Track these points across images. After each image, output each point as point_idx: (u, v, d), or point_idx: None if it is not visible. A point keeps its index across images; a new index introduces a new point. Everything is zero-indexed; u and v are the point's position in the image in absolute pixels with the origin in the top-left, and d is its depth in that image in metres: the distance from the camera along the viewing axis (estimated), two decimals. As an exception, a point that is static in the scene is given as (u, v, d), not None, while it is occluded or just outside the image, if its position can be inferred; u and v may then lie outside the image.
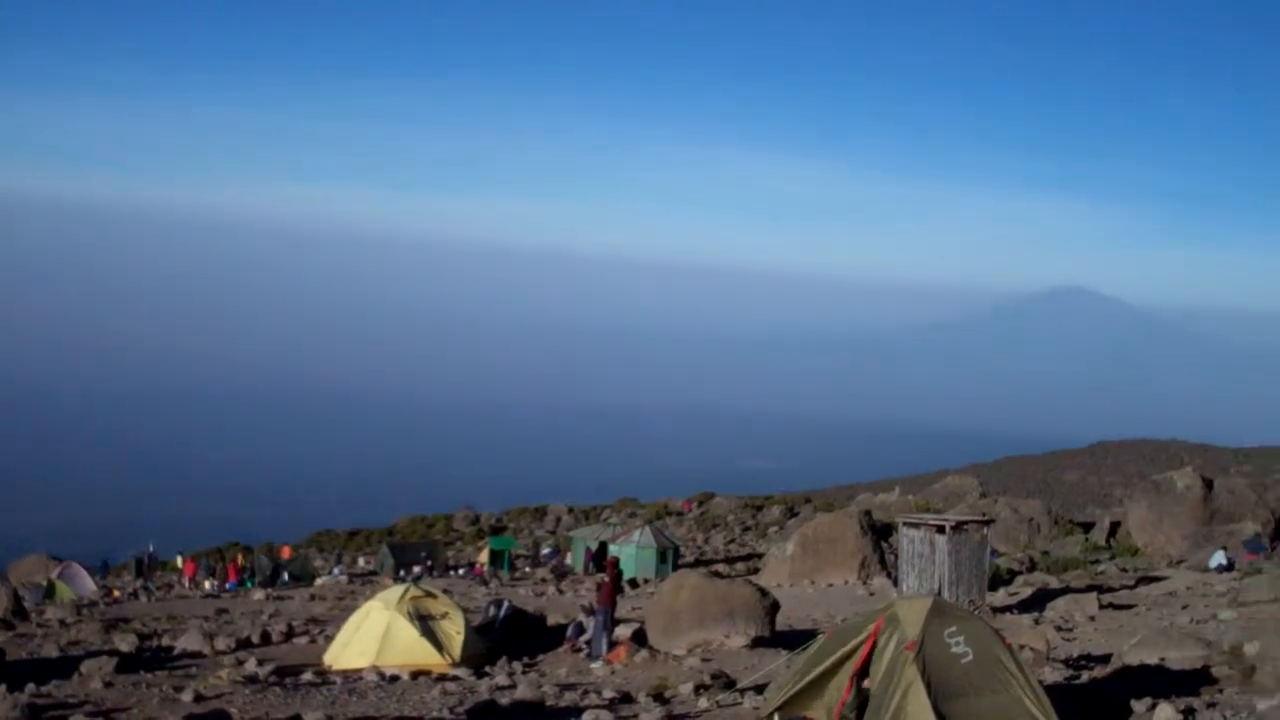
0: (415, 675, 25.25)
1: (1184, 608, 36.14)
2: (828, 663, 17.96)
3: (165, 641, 30.72)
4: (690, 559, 65.09)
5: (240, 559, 65.66)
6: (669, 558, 60.39)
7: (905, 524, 39.83)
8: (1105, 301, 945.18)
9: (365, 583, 57.04)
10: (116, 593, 51.62)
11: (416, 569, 61.94)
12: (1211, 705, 19.09)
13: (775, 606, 30.03)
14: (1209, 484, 60.06)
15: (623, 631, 29.32)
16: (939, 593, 35.42)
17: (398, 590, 29.42)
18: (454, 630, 27.80)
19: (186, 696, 20.57)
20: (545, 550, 72.24)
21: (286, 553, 71.83)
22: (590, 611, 29.81)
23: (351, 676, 24.89)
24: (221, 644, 29.75)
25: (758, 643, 28.41)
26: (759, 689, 21.08)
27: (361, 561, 72.12)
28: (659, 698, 21.76)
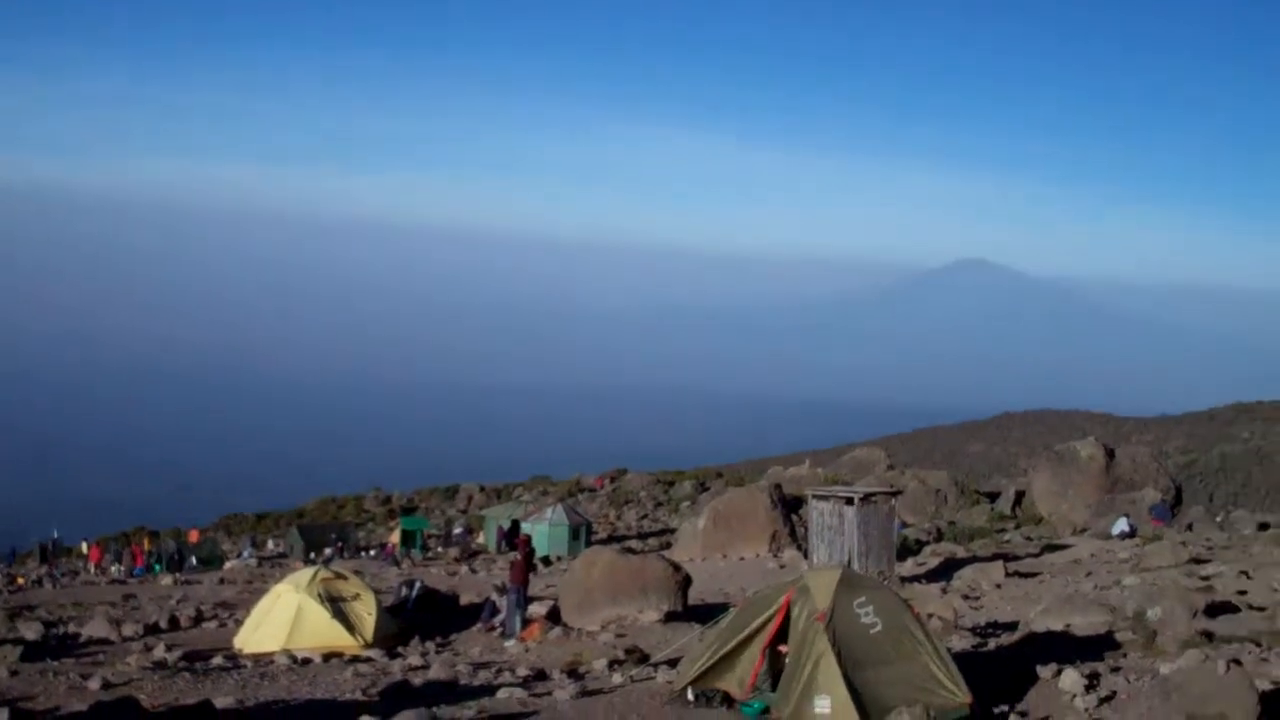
0: (327, 658, 25.08)
1: (1088, 575, 36.77)
2: (740, 636, 18.07)
3: (71, 629, 30.25)
4: (603, 535, 65.19)
5: (147, 544, 64.78)
6: (582, 535, 60.44)
7: (814, 496, 40.12)
8: (1007, 274, 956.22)
9: (275, 566, 56.52)
10: (21, 579, 50.74)
11: (327, 551, 61.52)
12: (1115, 669, 19.45)
13: (688, 581, 30.16)
14: (1111, 453, 61.14)
15: (536, 609, 29.32)
16: (848, 564, 35.76)
17: (308, 573, 29.20)
18: (366, 612, 27.65)
19: (94, 684, 20.29)
20: (457, 530, 71.98)
21: (194, 537, 70.99)
22: (503, 590, 29.77)
23: (262, 660, 24.68)
24: (129, 630, 29.37)
25: (671, 617, 28.54)
26: (672, 663, 21.17)
27: (271, 544, 71.42)
28: (573, 674, 21.84)
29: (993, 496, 67.51)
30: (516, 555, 29.71)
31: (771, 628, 17.84)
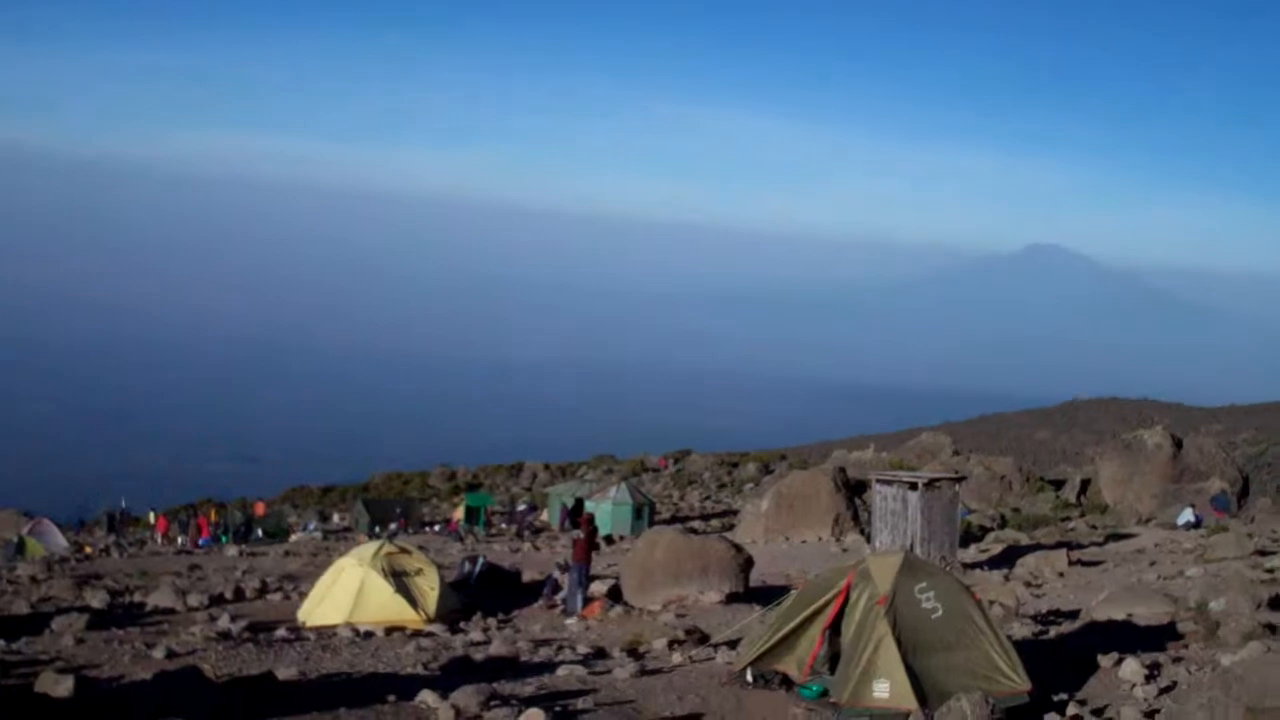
0: (389, 632, 25.32)
1: (1152, 564, 36.48)
2: (800, 618, 18.13)
3: (137, 598, 30.64)
4: (666, 516, 65.37)
5: (214, 515, 65.59)
6: (645, 514, 60.62)
7: (878, 481, 40.01)
8: (1078, 260, 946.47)
9: (340, 539, 57.07)
10: (88, 549, 51.60)
11: (392, 525, 62.08)
12: (1177, 660, 19.35)
13: (749, 563, 30.23)
14: (1178, 443, 60.52)
15: (598, 588, 29.51)
16: (911, 549, 35.66)
17: (372, 546, 29.41)
18: (428, 587, 27.84)
19: (159, 653, 20.62)
20: (521, 507, 72.44)
21: (260, 509, 71.83)
22: (565, 568, 29.95)
23: (325, 633, 24.96)
24: (194, 600, 29.73)
25: (732, 598, 28.63)
26: (732, 644, 21.27)
27: (336, 518, 72.16)
28: (633, 653, 21.95)
29: (1058, 484, 67.01)
30: (579, 533, 29.87)
31: (831, 611, 17.89)
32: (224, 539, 57.92)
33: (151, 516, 67.49)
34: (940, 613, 17.03)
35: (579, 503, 60.56)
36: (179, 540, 58.21)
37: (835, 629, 17.91)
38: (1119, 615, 24.08)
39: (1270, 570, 32.69)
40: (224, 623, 25.66)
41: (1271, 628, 22.56)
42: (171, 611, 28.69)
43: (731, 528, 52.99)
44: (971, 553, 41.39)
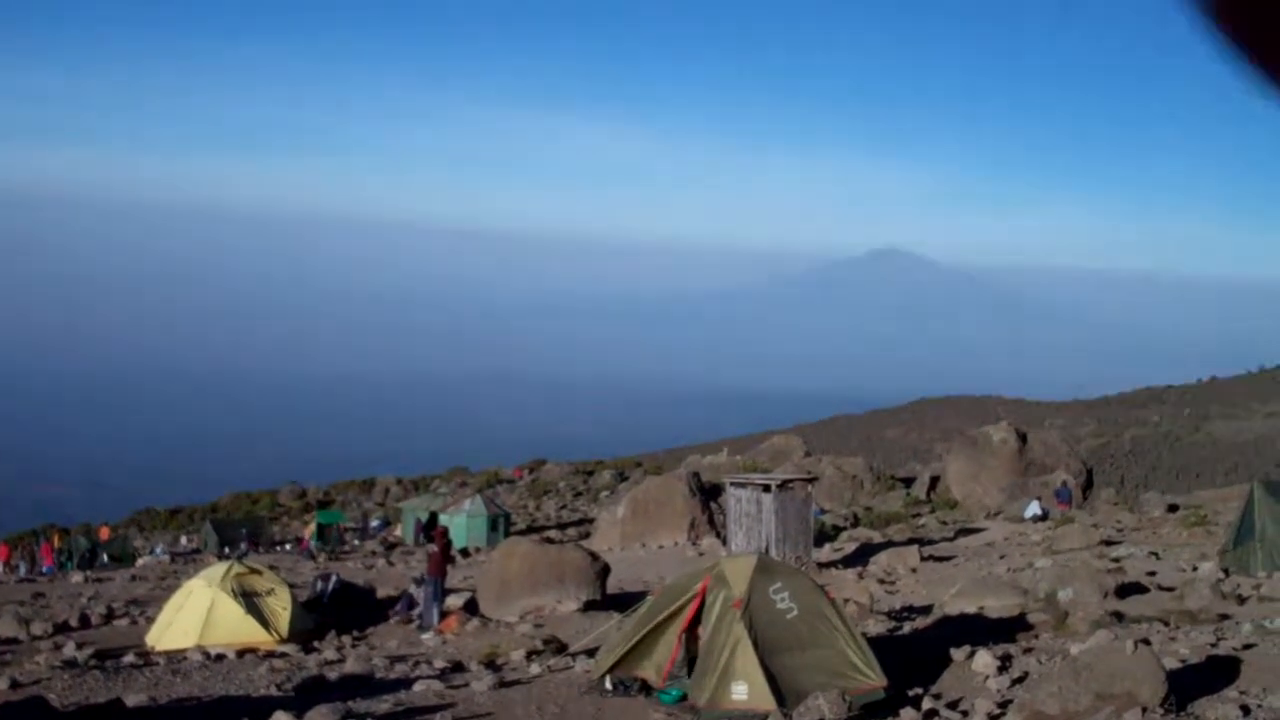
0: (241, 654, 24.75)
1: (1001, 557, 37.28)
2: (656, 622, 18.12)
3: (-23, 629, 29.60)
4: (522, 526, 65.06)
5: (57, 541, 63.71)
6: (500, 526, 60.30)
7: (732, 484, 40.27)
8: (920, 262, 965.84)
9: (188, 562, 55.77)
10: (-76, 580, 49.69)
11: (241, 546, 60.89)
12: (1028, 650, 19.74)
13: (606, 570, 30.17)
14: (1023, 437, 61.97)
15: (454, 601, 29.19)
16: (766, 550, 35.93)
17: (221, 568, 28.78)
18: (280, 606, 27.32)
19: (2, 684, 19.84)
20: (374, 523, 71.55)
21: (105, 534, 69.97)
22: (420, 582, 29.59)
23: (175, 657, 24.30)
24: (38, 629, 28.75)
25: (590, 606, 28.52)
26: (590, 653, 21.19)
27: (184, 540, 70.55)
28: (491, 665, 21.75)
29: (908, 482, 68.17)
30: (434, 547, 29.54)
31: (688, 614, 17.90)
32: (68, 565, 56.25)
33: (-10, 544, 65.25)
34: (795, 612, 17.13)
35: (433, 516, 59.94)
36: (20, 568, 56.39)
37: (692, 633, 17.92)
38: (971, 608, 24.52)
39: (1116, 560, 33.62)
40: (69, 651, 24.81)
41: (1118, 615, 23.15)
42: (14, 641, 27.68)
43: (588, 536, 52.93)
44: (826, 552, 41.84)
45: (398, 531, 66.14)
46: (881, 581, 32.66)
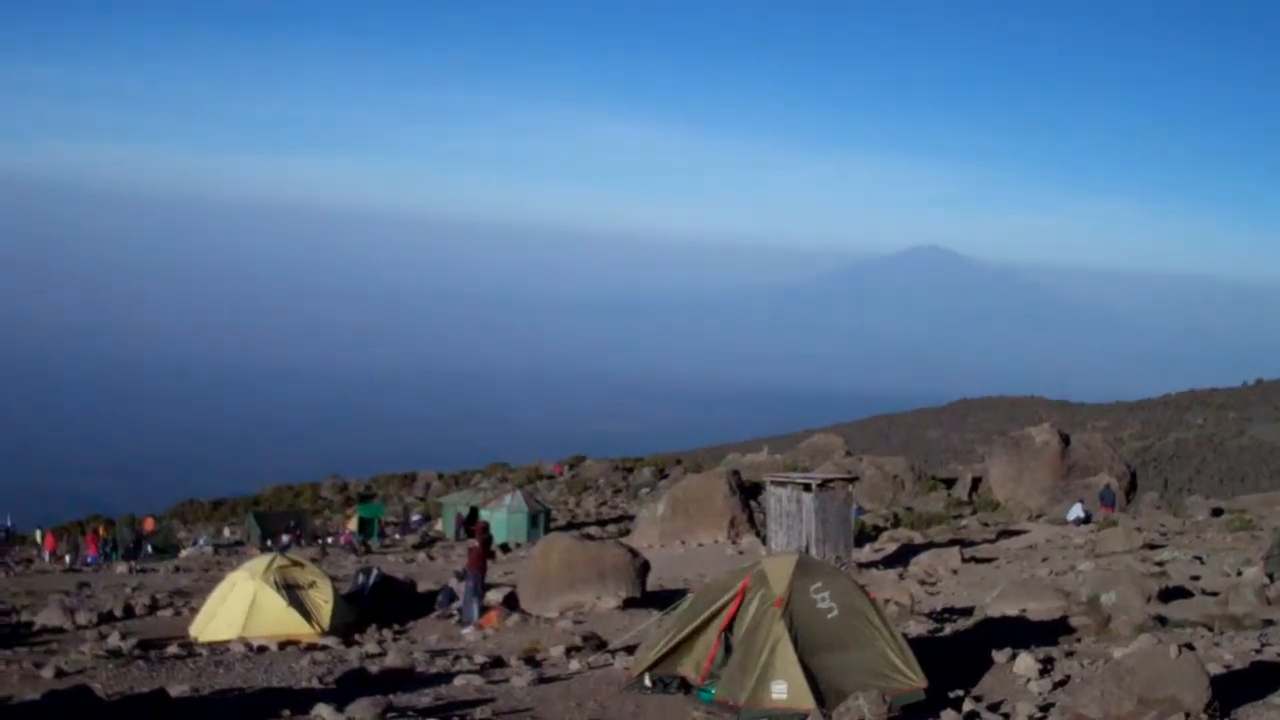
0: (283, 646, 24.95)
1: (1043, 560, 37.07)
2: (696, 621, 18.09)
3: (25, 617, 29.83)
4: (562, 522, 65.14)
5: (102, 532, 64.12)
6: (540, 521, 60.35)
7: (772, 482, 40.29)
8: (962, 261, 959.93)
9: (231, 553, 56.12)
10: (-27, 569, 50.17)
11: (284, 538, 61.17)
12: (1070, 654, 19.60)
13: (646, 567, 30.19)
14: (1066, 439, 61.64)
15: (494, 596, 29.28)
16: (806, 550, 35.95)
17: (264, 560, 29.02)
18: (322, 599, 27.51)
19: (48, 672, 20.07)
20: (415, 517, 71.79)
21: (150, 525, 70.31)
22: (461, 577, 29.69)
23: (218, 648, 24.49)
24: (83, 619, 29.00)
25: (629, 604, 28.56)
26: (630, 650, 21.21)
27: (227, 532, 70.96)
28: (530, 661, 21.79)
29: (949, 482, 67.91)
30: (474, 542, 29.63)
31: (728, 613, 17.86)
32: (113, 556, 56.63)
33: (39, 534, 65.77)
34: (836, 612, 17.08)
35: (474, 511, 60.32)
36: (67, 558, 56.87)
37: (732, 632, 17.90)
38: (1012, 611, 24.39)
39: (1159, 564, 33.37)
40: (114, 640, 24.99)
41: (1162, 620, 22.99)
42: (60, 630, 27.95)
43: (628, 533, 52.94)
44: (866, 552, 41.77)
45: (438, 526, 66.34)
46: (922, 583, 32.56)
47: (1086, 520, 49.04)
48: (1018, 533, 47.36)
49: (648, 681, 18.24)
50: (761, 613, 17.02)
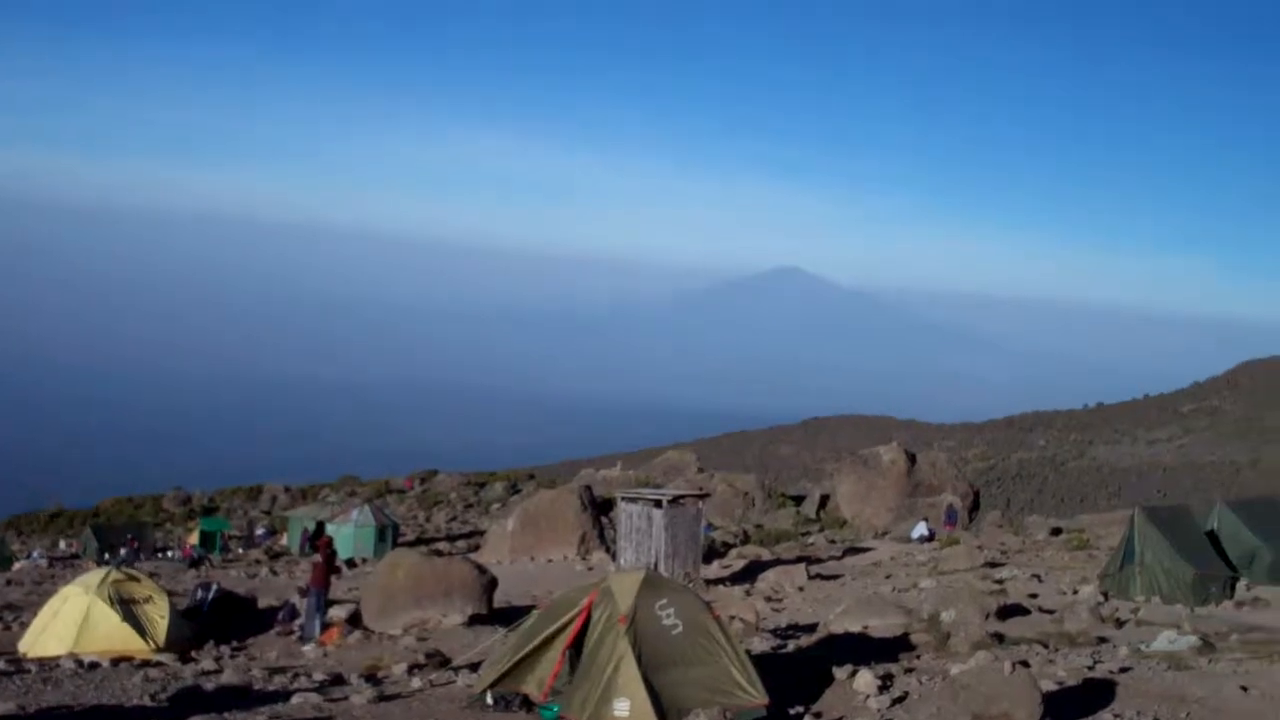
0: (116, 662, 24.17)
1: (887, 577, 37.60)
2: (540, 638, 17.94)
3: None
4: (411, 537, 64.47)
5: (-70, 544, 61.97)
6: (388, 536, 59.68)
7: (624, 499, 40.29)
8: (820, 282, 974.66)
9: (67, 567, 54.56)
10: None
11: (122, 551, 59.65)
12: (909, 670, 19.84)
13: (493, 584, 29.94)
14: (912, 458, 62.70)
15: (337, 613, 28.77)
16: (655, 566, 36.01)
17: (99, 574, 28.16)
18: (158, 615, 26.77)
19: None
20: (260, 531, 70.54)
21: (-19, 537, 68.16)
22: (304, 593, 29.16)
23: (47, 664, 23.64)
24: (-94, 634, 27.95)
25: (475, 620, 28.27)
26: (474, 667, 20.97)
27: (63, 545, 68.99)
28: (371, 678, 21.42)
29: (799, 500, 68.66)
30: (318, 557, 29.13)
31: (573, 630, 17.74)
32: (-59, 570, 54.69)
33: None
34: (680, 629, 17.07)
35: (320, 526, 59.18)
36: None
37: (577, 649, 17.78)
38: (855, 628, 24.66)
39: (999, 581, 34.06)
40: (-63, 657, 24.09)
41: (999, 637, 23.43)
42: (-122, 646, 26.85)
43: (477, 548, 52.58)
44: (715, 568, 41.94)
45: (284, 540, 65.25)
46: (768, 599, 32.76)
47: (930, 538, 49.92)
48: (864, 550, 48.03)
49: (490, 699, 18.04)
50: (606, 629, 16.93)
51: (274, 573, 48.66)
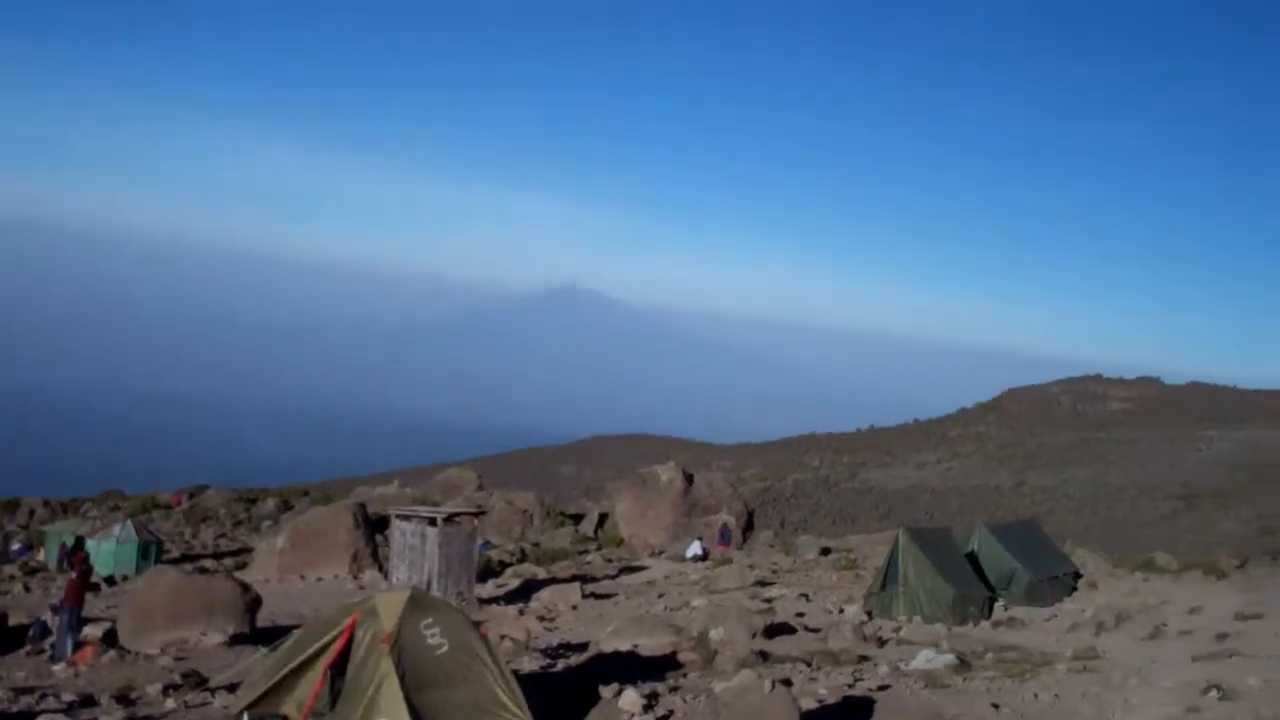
0: None
1: (661, 596, 37.83)
2: (301, 657, 17.51)
3: None
4: (176, 554, 62.41)
5: None
6: (152, 553, 57.60)
7: (398, 516, 39.76)
8: (605, 301, 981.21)
9: None
10: None
11: None
12: (674, 689, 19.95)
13: (257, 602, 29.17)
14: (689, 478, 63.33)
15: (92, 631, 27.63)
16: (429, 585, 35.58)
17: None
18: (-106, 635, 25.36)
19: None
20: (15, 546, 67.44)
21: None
22: (56, 610, 27.91)
23: None
24: None
25: (237, 640, 27.49)
26: (231, 688, 20.37)
27: None
28: (123, 699, 20.62)
29: (578, 518, 68.65)
30: (73, 573, 27.95)
31: (335, 649, 17.36)
32: None
33: None
34: (445, 649, 16.85)
35: (79, 541, 56.85)
36: None
37: (340, 669, 17.39)
38: (625, 646, 24.70)
39: (768, 600, 34.58)
40: None
41: (764, 655, 23.73)
42: None
43: (245, 566, 51.20)
44: (490, 587, 41.64)
45: (40, 556, 62.48)
46: (541, 618, 32.64)
47: (704, 557, 50.46)
48: (639, 568, 48.26)
49: (246, 719, 17.53)
50: (370, 649, 16.62)
51: (27, 589, 46.56)
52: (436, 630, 17.00)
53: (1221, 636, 28.81)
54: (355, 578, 46.58)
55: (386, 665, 16.26)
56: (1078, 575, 42.09)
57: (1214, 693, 19.81)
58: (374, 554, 49.07)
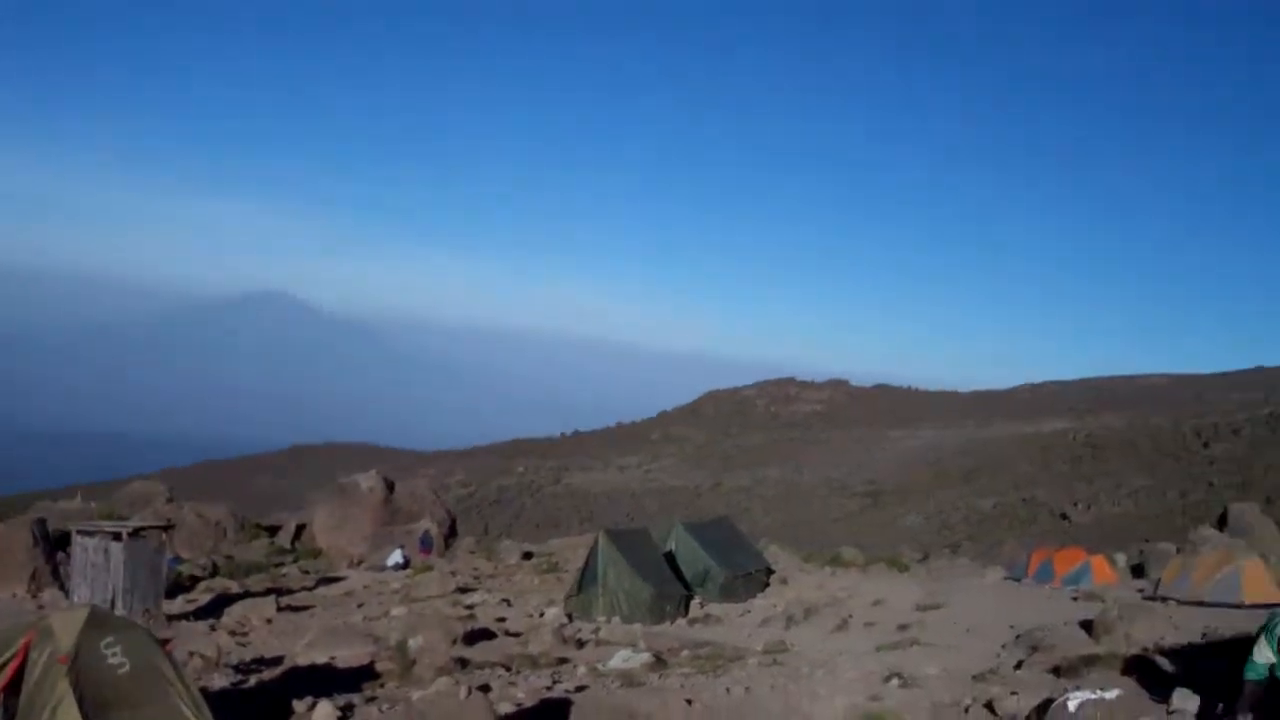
0: None
1: (359, 606, 37.34)
2: (-30, 683, 16.56)
3: None
4: None
5: None
6: None
7: (79, 532, 38.09)
8: (300, 307, 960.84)
9: None
10: None
11: None
12: (371, 700, 19.71)
13: (-77, 626, 27.42)
14: (391, 485, 62.71)
15: None
16: (113, 602, 34.22)
17: None
18: None
19: None
20: None
21: None
22: None
23: None
24: None
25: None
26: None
27: None
28: None
29: (274, 530, 67.08)
30: None
31: (9, 672, 16.46)
32: None
33: None
34: (128, 668, 16.18)
35: None
36: None
37: (15, 691, 16.51)
38: (322, 659, 24.30)
39: (469, 606, 34.55)
40: None
41: (464, 661, 23.68)
42: None
43: (-88, 588, 48.10)
44: (179, 603, 40.26)
45: None
46: (234, 634, 31.74)
47: (405, 565, 50.06)
48: (337, 579, 47.53)
49: (-93, 751, 16.50)
50: (45, 670, 15.82)
51: None
52: (118, 649, 16.32)
53: (903, 627, 30.27)
54: (34, 597, 44.26)
55: (64, 687, 15.50)
56: (770, 571, 43.54)
57: (895, 681, 20.79)
58: (54, 572, 46.70)
